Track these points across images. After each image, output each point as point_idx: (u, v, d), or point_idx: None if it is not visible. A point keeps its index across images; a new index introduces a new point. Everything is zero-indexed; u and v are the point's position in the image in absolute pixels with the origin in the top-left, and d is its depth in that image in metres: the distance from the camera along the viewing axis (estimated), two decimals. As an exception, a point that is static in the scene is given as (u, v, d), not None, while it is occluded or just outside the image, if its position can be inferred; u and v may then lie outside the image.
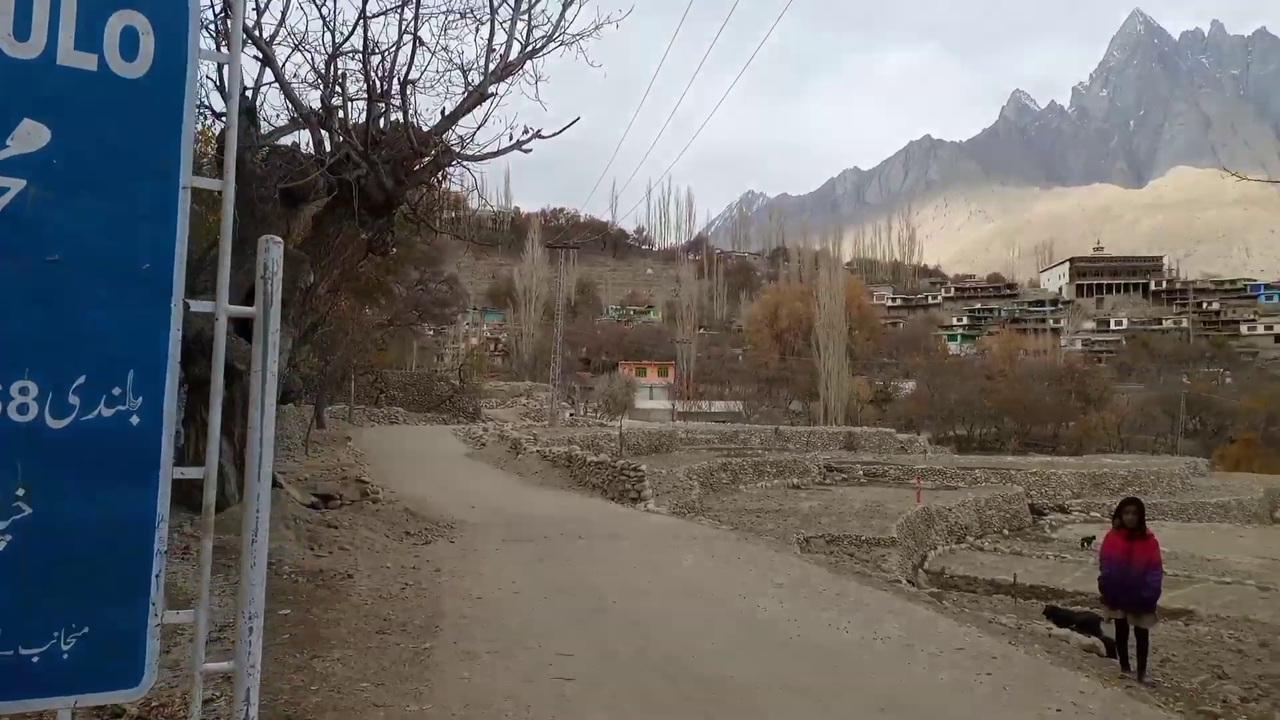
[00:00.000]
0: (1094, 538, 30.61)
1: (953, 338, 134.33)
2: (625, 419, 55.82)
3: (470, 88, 13.04)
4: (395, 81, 10.83)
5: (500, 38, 12.69)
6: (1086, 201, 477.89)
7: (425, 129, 12.40)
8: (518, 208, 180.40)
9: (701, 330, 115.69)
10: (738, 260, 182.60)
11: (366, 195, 11.61)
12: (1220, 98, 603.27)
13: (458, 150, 12.01)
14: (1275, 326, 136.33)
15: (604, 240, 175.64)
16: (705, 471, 34.99)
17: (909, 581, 19.25)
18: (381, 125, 12.34)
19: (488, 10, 12.79)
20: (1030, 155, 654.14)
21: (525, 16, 13.21)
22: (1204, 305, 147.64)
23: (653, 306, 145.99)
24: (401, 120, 11.54)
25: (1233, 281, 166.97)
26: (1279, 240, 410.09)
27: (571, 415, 58.95)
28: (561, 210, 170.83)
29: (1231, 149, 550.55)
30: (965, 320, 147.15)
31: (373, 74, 10.65)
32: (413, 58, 10.55)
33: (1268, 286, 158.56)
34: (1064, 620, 15.74)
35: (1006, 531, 34.47)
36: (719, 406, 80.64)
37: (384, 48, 11.54)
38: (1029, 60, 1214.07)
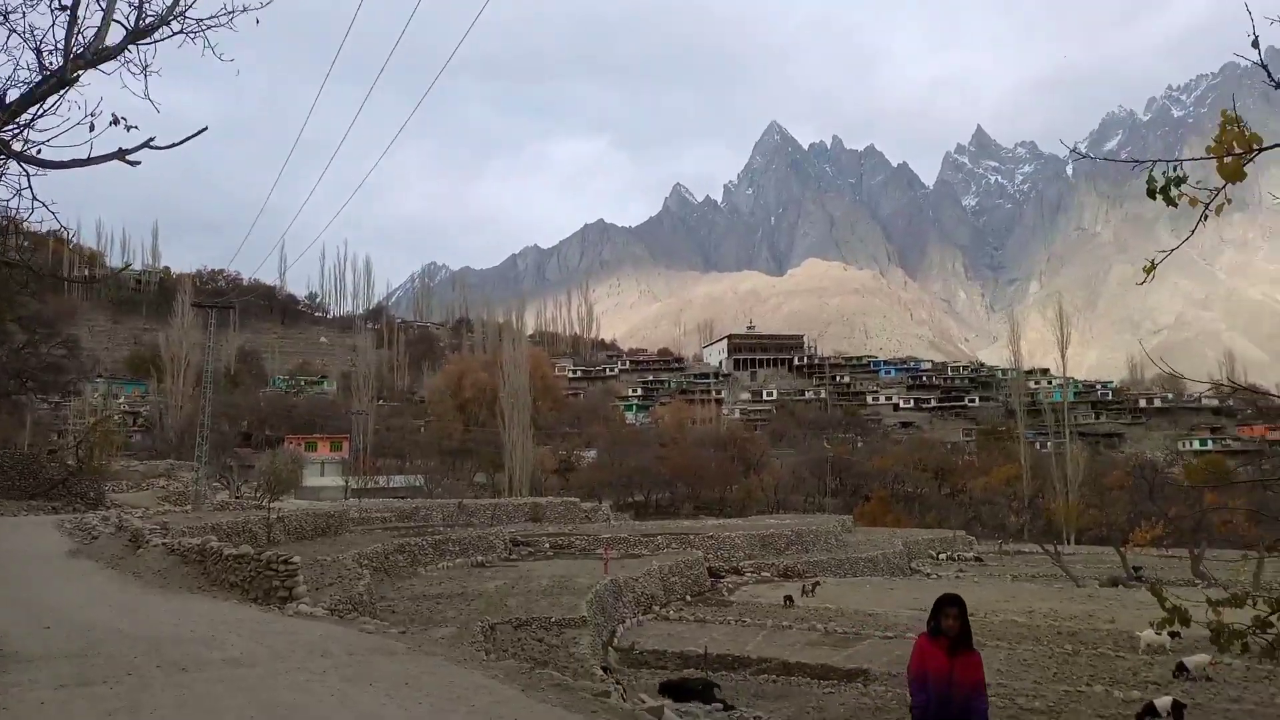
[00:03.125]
0: (791, 597, 31.69)
1: (629, 408, 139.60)
2: (289, 499, 49.96)
3: (47, 70, 9.73)
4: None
5: (92, 12, 9.59)
6: (738, 286, 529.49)
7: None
8: (167, 268, 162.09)
9: (380, 401, 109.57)
10: (420, 330, 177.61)
11: None
12: (841, 202, 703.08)
13: (17, 148, 8.70)
14: (893, 397, 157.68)
15: (271, 305, 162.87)
16: (379, 555, 31.50)
17: (605, 670, 17.67)
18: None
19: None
20: (690, 242, 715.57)
21: (133, -5, 10.22)
22: (837, 379, 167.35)
23: (326, 376, 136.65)
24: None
25: (859, 358, 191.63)
26: (890, 324, 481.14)
27: (231, 497, 51.77)
28: (220, 272, 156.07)
29: (851, 245, 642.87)
30: (640, 391, 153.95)
31: None
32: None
33: (886, 363, 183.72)
34: (682, 694, 14.84)
35: (689, 597, 34.48)
36: (399, 481, 75.88)
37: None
38: (688, 158, 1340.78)
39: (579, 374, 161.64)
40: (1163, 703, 15.37)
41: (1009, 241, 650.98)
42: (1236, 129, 3.86)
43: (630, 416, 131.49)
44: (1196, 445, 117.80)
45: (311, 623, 12.85)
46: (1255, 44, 3.99)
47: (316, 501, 52.96)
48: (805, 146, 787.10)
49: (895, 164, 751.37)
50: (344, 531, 38.13)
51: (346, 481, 69.35)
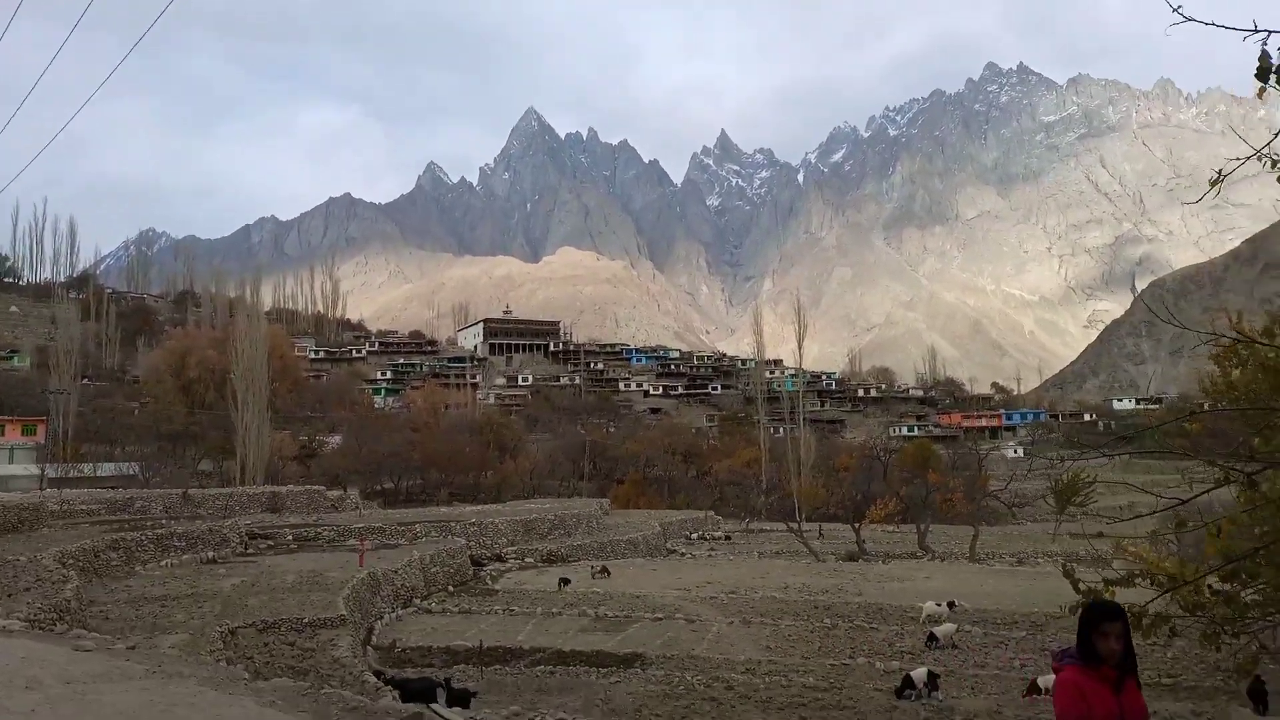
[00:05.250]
0: (569, 580, 31.00)
1: (378, 391, 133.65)
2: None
3: None
4: None
5: None
6: (493, 270, 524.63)
7: None
8: None
9: (86, 380, 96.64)
10: (135, 302, 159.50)
11: None
12: (596, 193, 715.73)
13: None
14: (644, 384, 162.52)
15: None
16: (87, 553, 27.22)
17: (377, 676, 15.99)
18: None
19: None
20: (444, 224, 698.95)
21: None
22: (591, 365, 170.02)
23: (18, 351, 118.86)
24: None
25: (612, 346, 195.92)
26: (639, 314, 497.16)
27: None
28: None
29: (604, 236, 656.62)
30: (389, 374, 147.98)
31: None
32: None
33: (637, 351, 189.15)
34: (410, 692, 13.72)
35: (451, 588, 32.88)
36: (109, 469, 67.03)
37: None
38: (444, 137, 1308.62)
39: (322, 355, 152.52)
40: (919, 674, 16.15)
41: (746, 241, 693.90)
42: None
43: (379, 400, 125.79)
44: (905, 431, 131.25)
45: (7, 641, 10.24)
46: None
47: (4, 492, 45.43)
48: (562, 136, 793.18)
49: (647, 160, 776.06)
50: (41, 526, 32.77)
51: (43, 470, 60.24)
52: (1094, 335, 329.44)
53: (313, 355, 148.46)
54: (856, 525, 43.53)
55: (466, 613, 27.98)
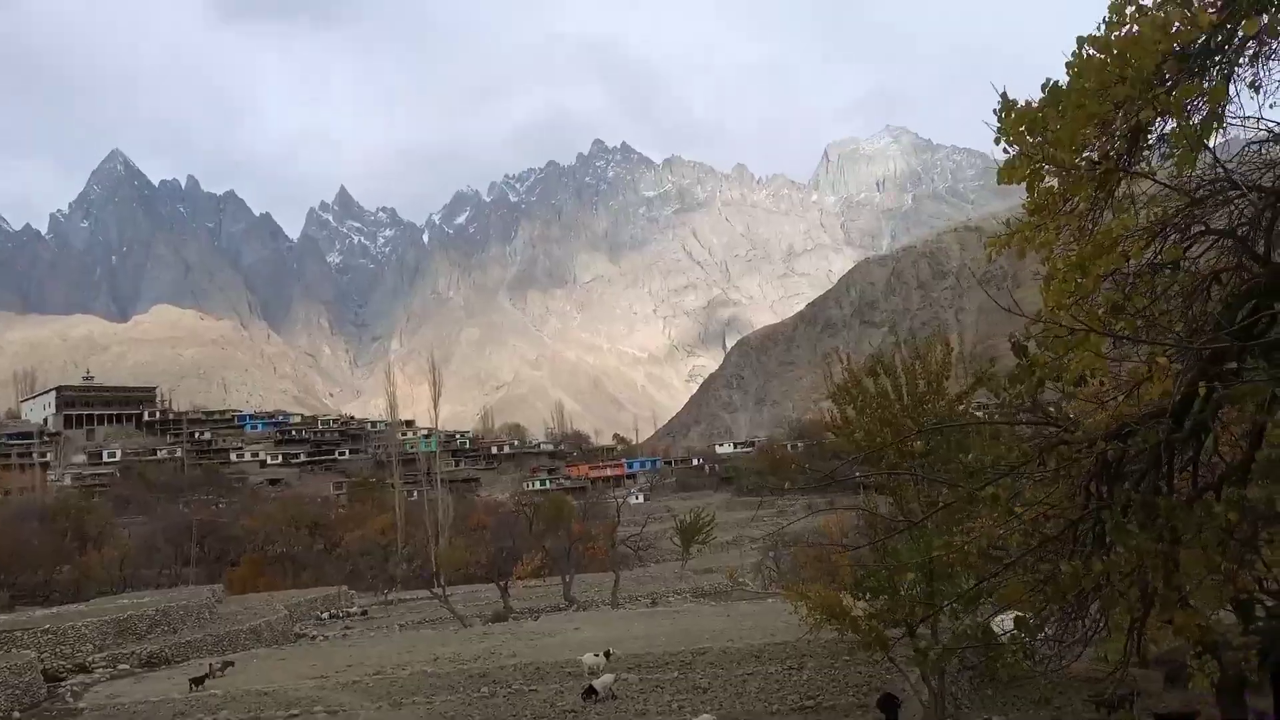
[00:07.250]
0: (205, 677, 26.61)
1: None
2: None
3: None
4: None
5: None
6: (69, 331, 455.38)
7: None
8: None
9: None
10: None
11: None
12: (199, 246, 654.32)
13: None
14: (260, 453, 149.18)
15: None
16: None
17: None
18: None
19: None
20: (4, 279, 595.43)
21: None
22: (196, 435, 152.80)
23: None
24: None
25: (222, 413, 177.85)
26: (252, 378, 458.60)
27: None
28: None
29: (209, 294, 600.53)
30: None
31: None
32: None
33: (252, 417, 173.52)
34: None
35: (18, 714, 26.58)
36: None
37: None
38: (3, 178, 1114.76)
39: None
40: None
41: (372, 300, 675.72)
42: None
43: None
44: (538, 485, 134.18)
45: None
46: None
47: None
48: (155, 183, 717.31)
49: (258, 213, 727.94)
50: None
51: None
52: (694, 388, 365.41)
53: None
54: (502, 584, 42.87)
55: (39, 745, 22.70)
